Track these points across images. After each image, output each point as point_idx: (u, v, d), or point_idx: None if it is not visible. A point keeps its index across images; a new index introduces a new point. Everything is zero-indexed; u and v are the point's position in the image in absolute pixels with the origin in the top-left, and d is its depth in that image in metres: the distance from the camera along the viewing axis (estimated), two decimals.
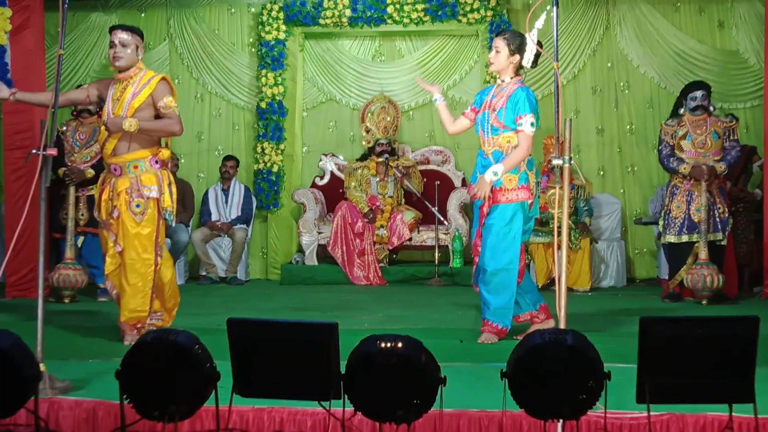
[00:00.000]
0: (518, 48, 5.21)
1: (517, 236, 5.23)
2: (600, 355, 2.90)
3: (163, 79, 5.24)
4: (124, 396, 2.94)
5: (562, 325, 3.71)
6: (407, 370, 2.79)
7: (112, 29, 5.23)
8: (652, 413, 3.10)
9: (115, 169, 5.18)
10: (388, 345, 2.81)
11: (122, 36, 5.16)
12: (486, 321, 5.29)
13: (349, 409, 2.93)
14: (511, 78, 5.28)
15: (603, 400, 2.85)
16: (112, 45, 5.16)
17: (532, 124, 5.13)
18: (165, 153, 5.30)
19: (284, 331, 2.96)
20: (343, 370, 2.90)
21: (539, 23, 5.24)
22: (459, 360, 4.67)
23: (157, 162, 5.22)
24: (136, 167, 5.17)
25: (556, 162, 3.83)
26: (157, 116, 5.19)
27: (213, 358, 3.03)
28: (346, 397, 2.90)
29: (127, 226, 5.13)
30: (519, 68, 5.29)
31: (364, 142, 9.62)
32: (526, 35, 5.14)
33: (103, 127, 5.18)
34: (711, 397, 2.82)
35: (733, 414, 2.83)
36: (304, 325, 2.96)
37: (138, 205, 5.14)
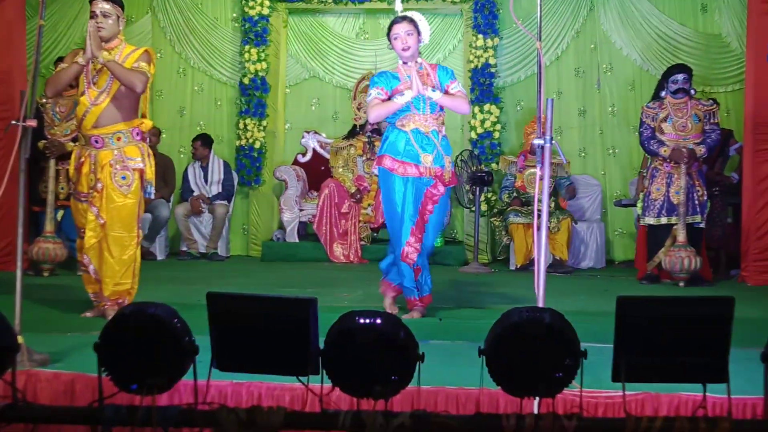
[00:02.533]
0: (418, 29, 5.35)
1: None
2: (577, 334, 2.93)
3: (147, 51, 5.24)
4: (102, 369, 2.93)
5: (540, 305, 3.74)
6: (386, 347, 2.80)
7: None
8: (627, 392, 3.13)
9: (96, 141, 5.11)
10: (367, 321, 2.82)
11: (104, 6, 5.11)
12: (429, 296, 5.47)
13: (327, 384, 2.94)
14: (420, 59, 5.40)
15: (579, 379, 2.87)
16: (93, 15, 5.10)
17: (462, 86, 5.45)
18: (147, 124, 5.30)
19: (264, 305, 2.95)
20: (322, 345, 2.91)
21: (397, 6, 5.45)
22: (437, 337, 4.70)
23: (138, 134, 5.21)
24: (119, 139, 5.13)
25: (537, 141, 3.85)
26: None
27: (192, 333, 3.03)
28: (324, 372, 2.90)
29: (114, 198, 5.10)
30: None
31: (354, 119, 9.59)
32: (414, 14, 5.36)
33: (83, 99, 5.10)
34: (685, 377, 2.85)
35: (707, 394, 2.85)
36: (283, 300, 2.96)
37: (123, 177, 5.11)
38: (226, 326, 2.95)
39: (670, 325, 2.74)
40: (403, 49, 5.30)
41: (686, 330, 2.73)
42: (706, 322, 2.74)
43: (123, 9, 5.26)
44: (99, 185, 5.09)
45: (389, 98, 5.27)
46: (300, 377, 2.93)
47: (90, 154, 5.14)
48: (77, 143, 5.32)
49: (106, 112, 5.10)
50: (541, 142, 3.82)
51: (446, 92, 5.30)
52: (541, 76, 4.01)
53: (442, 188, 5.29)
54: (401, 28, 5.28)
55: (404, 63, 5.36)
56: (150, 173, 5.24)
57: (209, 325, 2.97)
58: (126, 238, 5.17)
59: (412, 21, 5.31)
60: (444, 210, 5.46)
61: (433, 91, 5.21)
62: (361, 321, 2.83)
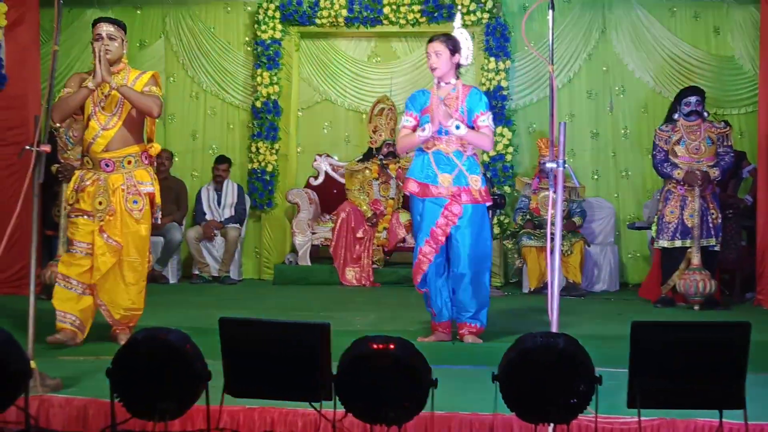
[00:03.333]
0: (455, 48, 5.32)
1: (489, 237, 5.48)
2: (592, 359, 2.91)
3: (154, 75, 5.27)
4: (115, 394, 2.93)
5: (554, 329, 3.72)
6: (399, 372, 2.79)
7: (97, 22, 5.20)
8: (643, 418, 3.10)
9: (107, 165, 5.10)
10: (380, 346, 2.81)
11: (108, 28, 5.13)
12: (466, 324, 5.39)
13: (341, 410, 2.92)
14: (456, 80, 5.36)
15: (594, 404, 2.85)
16: (98, 38, 5.11)
17: (493, 120, 5.37)
18: (156, 147, 5.32)
19: (276, 331, 2.95)
20: (335, 370, 2.90)
21: (456, 23, 5.40)
22: (450, 362, 4.68)
23: (147, 158, 5.22)
24: (129, 162, 5.14)
25: (549, 165, 3.83)
26: None
27: (205, 358, 3.03)
28: (337, 398, 2.89)
29: (128, 223, 5.10)
30: (458, 68, 5.39)
31: (369, 142, 9.59)
32: (458, 32, 5.30)
33: (93, 123, 5.09)
34: (702, 403, 2.83)
35: (724, 420, 2.83)
36: (295, 325, 2.96)
37: (135, 201, 5.12)
38: (239, 351, 2.95)
39: (685, 350, 2.72)
40: (431, 69, 5.34)
41: (702, 355, 2.72)
42: (722, 347, 2.73)
43: (126, 32, 5.28)
44: (111, 209, 5.08)
45: (418, 123, 5.31)
46: (312, 402, 2.92)
47: (99, 177, 5.12)
48: (80, 166, 5.28)
49: (118, 136, 5.10)
50: (554, 165, 3.81)
51: (474, 122, 5.27)
52: (553, 99, 4.01)
53: (458, 208, 5.24)
54: (431, 48, 5.30)
55: (438, 82, 5.35)
56: (158, 197, 5.25)
57: (222, 350, 2.97)
58: (139, 263, 5.18)
59: (445, 41, 5.29)
60: (474, 232, 5.29)
61: (457, 128, 5.16)
62: (374, 346, 2.82)
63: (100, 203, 5.09)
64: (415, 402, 2.82)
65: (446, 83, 5.34)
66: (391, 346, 2.80)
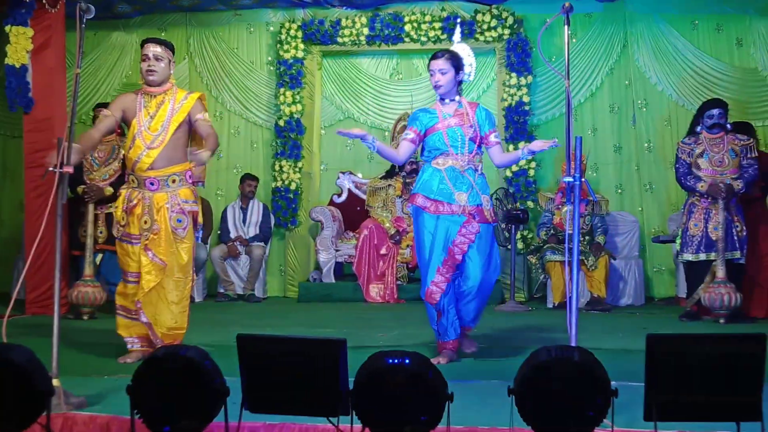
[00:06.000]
0: (459, 65, 5.31)
1: (497, 256, 5.45)
2: (609, 372, 2.91)
3: (200, 97, 5.32)
4: (135, 411, 2.96)
5: (572, 343, 3.72)
6: (414, 387, 2.81)
7: (146, 42, 5.24)
8: (663, 431, 3.10)
9: (152, 183, 5.14)
10: (396, 361, 2.82)
11: (156, 49, 5.18)
12: (467, 327, 5.49)
13: (358, 425, 2.94)
14: (458, 96, 5.36)
15: (611, 418, 2.85)
16: (145, 58, 5.16)
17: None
18: (203, 169, 5.37)
19: (293, 347, 2.98)
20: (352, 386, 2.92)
21: (456, 37, 5.41)
22: (469, 378, 4.68)
23: (190, 177, 5.26)
24: (173, 181, 5.18)
25: (567, 180, 3.85)
26: (191, 131, 5.28)
27: (225, 374, 3.06)
28: (354, 413, 2.91)
29: (172, 242, 5.14)
30: (459, 84, 5.38)
31: None
32: (460, 47, 5.31)
33: (138, 142, 5.12)
34: (718, 416, 2.81)
35: None
36: (312, 341, 2.98)
37: (179, 220, 5.16)
38: (257, 368, 2.98)
39: (701, 362, 2.71)
40: (435, 87, 5.32)
41: (718, 368, 2.71)
42: (738, 359, 2.71)
43: (174, 52, 5.33)
44: (155, 227, 5.12)
45: (425, 136, 5.29)
46: (330, 418, 2.94)
47: (144, 196, 5.15)
48: (126, 185, 5.28)
49: (163, 155, 5.14)
50: (571, 180, 3.83)
51: (485, 139, 5.27)
52: (569, 114, 4.02)
53: (475, 226, 5.19)
54: (435, 65, 5.26)
55: (441, 99, 5.35)
56: (200, 216, 5.31)
57: (240, 366, 3.00)
58: (183, 281, 5.22)
59: (450, 58, 5.26)
60: (485, 248, 5.25)
61: (531, 153, 5.22)
62: (390, 361, 2.84)
63: (146, 222, 5.13)
64: (432, 416, 2.83)
65: (451, 100, 5.33)
66: (407, 361, 2.81)
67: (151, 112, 5.17)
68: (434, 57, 5.33)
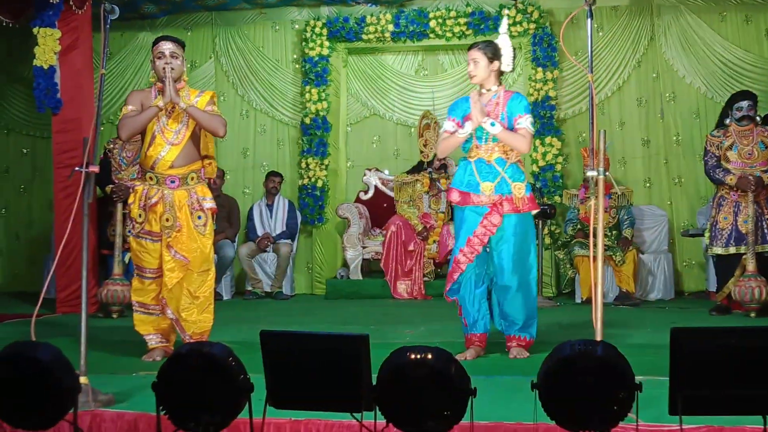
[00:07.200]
0: (495, 54, 5.23)
1: (533, 245, 5.35)
2: (636, 367, 2.89)
3: (212, 95, 5.35)
4: (161, 407, 2.99)
5: (598, 337, 3.70)
6: (437, 382, 2.80)
7: (159, 40, 5.25)
8: (689, 425, 3.07)
9: (172, 181, 5.16)
10: (418, 356, 2.82)
11: (170, 47, 5.19)
12: (514, 336, 5.32)
13: (381, 421, 2.94)
14: (498, 86, 5.29)
15: (636, 412, 2.83)
16: (161, 56, 5.15)
17: (532, 123, 5.20)
18: (214, 167, 5.40)
19: (316, 343, 2.98)
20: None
21: (502, 29, 5.34)
22: (491, 372, 4.67)
23: (203, 173, 5.31)
24: (192, 179, 5.22)
25: (590, 174, 3.84)
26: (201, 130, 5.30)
27: (252, 371, 3.07)
28: (377, 408, 2.91)
29: (195, 239, 5.18)
30: (500, 75, 5.31)
31: (422, 156, 9.63)
32: (501, 39, 5.24)
33: (159, 139, 5.13)
34: (744, 409, 2.79)
35: None
36: (335, 337, 2.99)
37: (200, 217, 5.20)
38: (280, 364, 2.99)
39: (726, 355, 2.69)
40: (469, 77, 5.32)
41: (742, 360, 2.68)
42: (763, 352, 2.68)
43: (184, 50, 5.35)
44: (178, 225, 5.15)
45: (460, 128, 5.26)
46: (354, 413, 2.95)
47: (164, 194, 5.17)
48: (144, 182, 5.26)
49: (184, 152, 5.18)
50: (594, 173, 3.81)
51: (513, 126, 5.19)
52: (593, 108, 4.00)
53: (497, 219, 5.16)
54: (470, 55, 5.26)
55: (480, 88, 5.31)
56: (215, 212, 5.36)
57: (263, 363, 3.01)
58: (205, 276, 5.27)
59: (483, 48, 5.23)
60: (517, 242, 5.20)
61: (492, 125, 5.08)
62: (412, 356, 2.84)
63: (167, 220, 5.15)
64: (455, 411, 2.83)
65: (487, 90, 5.29)
66: (429, 356, 2.81)
67: (168, 109, 5.19)
68: (469, 47, 5.34)
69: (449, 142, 5.31)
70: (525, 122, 5.16)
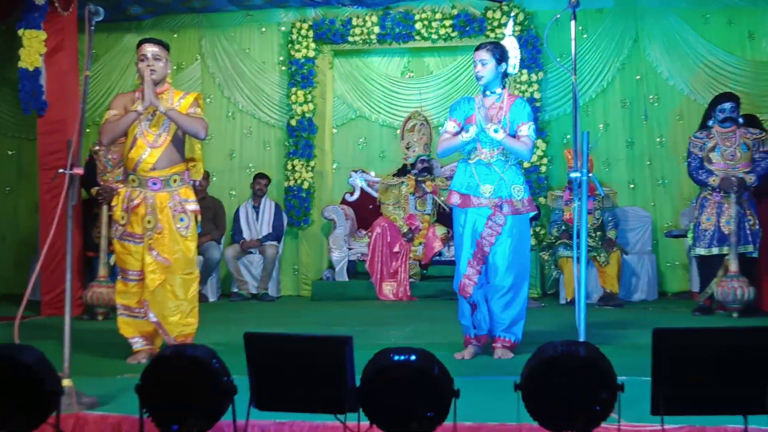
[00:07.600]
0: (502, 56, 5.25)
1: (528, 247, 5.40)
2: (619, 367, 2.92)
3: (196, 97, 5.34)
4: (144, 410, 2.99)
5: (580, 338, 3.73)
6: (420, 383, 2.82)
7: (143, 42, 5.25)
8: (671, 426, 3.10)
9: (154, 183, 5.16)
10: (401, 358, 2.84)
11: (153, 49, 5.18)
12: (499, 338, 5.34)
13: (365, 422, 2.96)
14: (503, 89, 5.31)
15: (618, 412, 2.85)
16: (144, 58, 5.16)
17: (534, 131, 5.24)
18: (200, 170, 5.39)
19: (299, 345, 3.00)
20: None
21: (508, 30, 5.33)
22: (474, 373, 4.69)
23: (188, 176, 5.31)
24: (175, 181, 5.22)
25: (573, 175, 3.86)
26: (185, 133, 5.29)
27: (235, 373, 3.08)
28: (361, 409, 2.93)
29: (177, 240, 5.18)
30: (505, 77, 5.33)
31: (403, 158, 9.66)
32: (507, 40, 5.25)
33: (140, 141, 5.14)
34: (725, 409, 2.81)
35: (749, 426, 2.82)
36: (318, 338, 3.00)
37: (182, 219, 5.20)
38: (264, 366, 3.00)
39: (707, 356, 2.72)
40: (477, 78, 5.32)
41: (724, 361, 2.71)
42: (745, 352, 2.71)
43: (169, 52, 5.34)
44: (159, 227, 5.15)
45: (462, 129, 5.28)
46: (337, 415, 2.96)
47: (146, 196, 5.17)
48: (126, 184, 5.28)
49: (165, 155, 5.18)
50: (578, 175, 3.83)
51: (516, 133, 5.21)
52: (576, 109, 4.03)
53: (502, 218, 5.21)
54: (477, 56, 5.25)
55: (483, 90, 5.32)
56: (199, 215, 5.35)
57: (247, 365, 3.02)
58: (189, 278, 5.28)
59: (492, 49, 5.23)
60: (513, 243, 5.24)
61: (496, 131, 5.11)
62: (395, 358, 2.85)
63: (149, 222, 5.15)
64: (438, 412, 2.85)
65: (491, 92, 5.30)
66: (412, 357, 2.83)
67: (151, 111, 5.19)
68: (477, 48, 5.32)
69: (450, 144, 5.33)
70: (528, 130, 5.21)
